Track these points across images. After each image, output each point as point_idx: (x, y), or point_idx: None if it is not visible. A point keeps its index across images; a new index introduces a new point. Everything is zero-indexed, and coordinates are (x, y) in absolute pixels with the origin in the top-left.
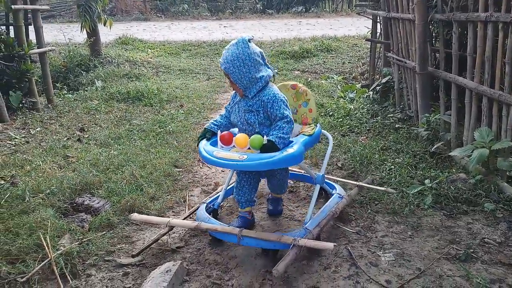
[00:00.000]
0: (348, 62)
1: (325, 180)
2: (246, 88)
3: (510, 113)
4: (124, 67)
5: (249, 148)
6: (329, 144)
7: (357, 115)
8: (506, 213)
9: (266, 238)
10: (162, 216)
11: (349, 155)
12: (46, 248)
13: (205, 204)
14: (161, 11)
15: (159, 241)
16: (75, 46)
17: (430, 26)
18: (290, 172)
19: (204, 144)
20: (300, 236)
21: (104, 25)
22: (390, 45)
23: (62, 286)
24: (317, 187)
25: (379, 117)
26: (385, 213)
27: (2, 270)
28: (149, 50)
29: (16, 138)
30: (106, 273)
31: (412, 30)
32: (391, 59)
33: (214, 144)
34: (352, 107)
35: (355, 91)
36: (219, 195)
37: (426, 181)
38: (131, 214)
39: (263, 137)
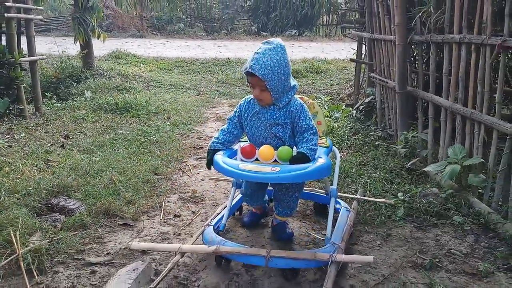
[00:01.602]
0: (336, 84)
1: (319, 194)
2: (280, 97)
3: (481, 131)
4: (116, 80)
5: (275, 160)
6: (336, 157)
7: (340, 132)
8: (474, 227)
9: (299, 256)
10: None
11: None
12: (15, 244)
13: (212, 227)
14: (157, 29)
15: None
16: (68, 58)
17: (412, 47)
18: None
19: (221, 158)
20: (331, 252)
21: (98, 39)
22: (373, 66)
23: (27, 282)
24: (332, 200)
25: (360, 134)
26: (357, 223)
27: None
28: (142, 65)
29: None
30: (73, 271)
31: (394, 51)
32: (374, 79)
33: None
34: (336, 125)
35: (341, 111)
36: (223, 215)
37: (399, 194)
38: (130, 243)
39: (292, 148)
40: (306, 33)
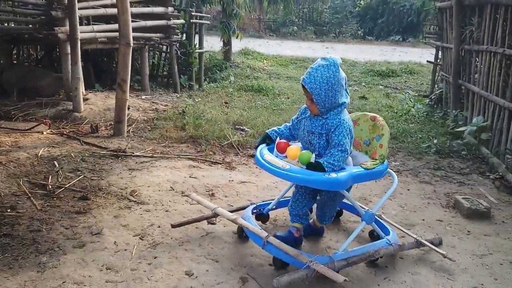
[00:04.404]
0: (426, 84)
1: (384, 224)
2: (326, 111)
3: (491, 107)
4: (246, 70)
5: (298, 161)
6: (393, 182)
7: (413, 113)
8: (475, 159)
9: (286, 251)
10: None
11: (396, 130)
12: (228, 136)
13: (254, 205)
14: (272, 31)
15: None
16: (214, 52)
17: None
18: (345, 202)
19: (262, 147)
20: (320, 262)
21: (237, 38)
22: (443, 66)
23: (237, 151)
24: (362, 223)
25: (427, 114)
26: (403, 151)
27: (210, 140)
28: (265, 60)
29: (189, 101)
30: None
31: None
32: (443, 76)
33: (272, 150)
34: (412, 109)
35: (422, 103)
36: (271, 202)
37: (435, 140)
38: (190, 194)
39: (312, 154)
40: (409, 39)
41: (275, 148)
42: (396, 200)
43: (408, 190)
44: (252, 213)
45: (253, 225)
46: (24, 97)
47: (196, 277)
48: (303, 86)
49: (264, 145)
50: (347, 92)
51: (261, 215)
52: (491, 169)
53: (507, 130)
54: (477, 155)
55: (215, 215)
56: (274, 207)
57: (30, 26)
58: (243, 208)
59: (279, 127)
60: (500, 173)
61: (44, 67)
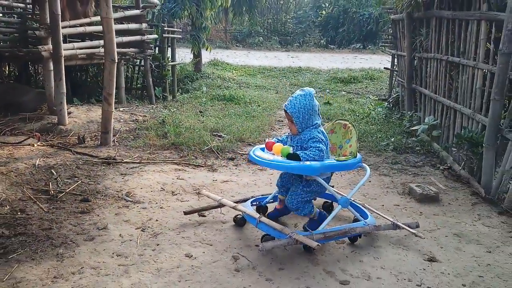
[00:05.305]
0: (385, 88)
1: (364, 210)
2: (303, 130)
3: (440, 107)
4: (217, 81)
5: (281, 155)
6: (366, 174)
7: (373, 115)
8: (428, 154)
9: (273, 227)
10: (254, 144)
11: (358, 130)
12: (208, 142)
13: (254, 198)
14: (239, 42)
15: None
16: (184, 64)
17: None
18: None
19: (255, 148)
20: (300, 235)
21: (206, 50)
22: (399, 72)
23: (217, 155)
24: (338, 207)
25: (385, 116)
26: (365, 150)
27: (191, 146)
28: (234, 71)
29: (165, 112)
30: (231, 155)
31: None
32: (399, 81)
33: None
34: (373, 112)
35: (382, 107)
36: (268, 196)
37: (392, 139)
38: (201, 190)
39: (291, 148)
40: (369, 46)
41: (265, 147)
42: (359, 190)
43: (370, 182)
44: (252, 204)
45: (247, 209)
46: (8, 113)
47: (195, 258)
48: (285, 111)
49: (257, 147)
50: (319, 116)
51: (261, 207)
52: (441, 161)
53: (453, 127)
54: (429, 150)
55: (221, 205)
56: (271, 200)
57: (1, 43)
58: (244, 200)
59: (282, 136)
60: (448, 164)
61: (22, 84)
